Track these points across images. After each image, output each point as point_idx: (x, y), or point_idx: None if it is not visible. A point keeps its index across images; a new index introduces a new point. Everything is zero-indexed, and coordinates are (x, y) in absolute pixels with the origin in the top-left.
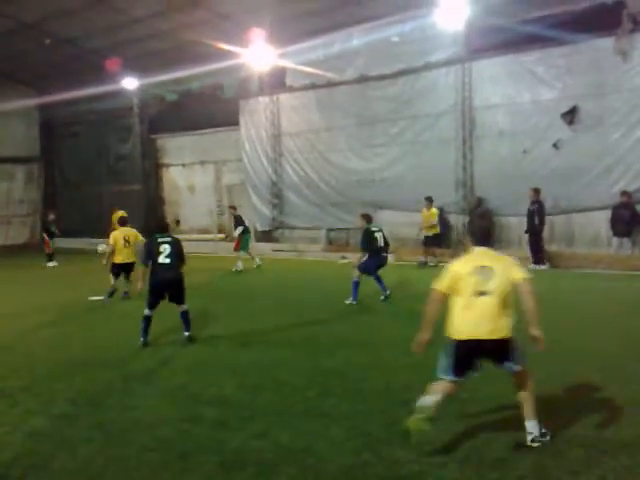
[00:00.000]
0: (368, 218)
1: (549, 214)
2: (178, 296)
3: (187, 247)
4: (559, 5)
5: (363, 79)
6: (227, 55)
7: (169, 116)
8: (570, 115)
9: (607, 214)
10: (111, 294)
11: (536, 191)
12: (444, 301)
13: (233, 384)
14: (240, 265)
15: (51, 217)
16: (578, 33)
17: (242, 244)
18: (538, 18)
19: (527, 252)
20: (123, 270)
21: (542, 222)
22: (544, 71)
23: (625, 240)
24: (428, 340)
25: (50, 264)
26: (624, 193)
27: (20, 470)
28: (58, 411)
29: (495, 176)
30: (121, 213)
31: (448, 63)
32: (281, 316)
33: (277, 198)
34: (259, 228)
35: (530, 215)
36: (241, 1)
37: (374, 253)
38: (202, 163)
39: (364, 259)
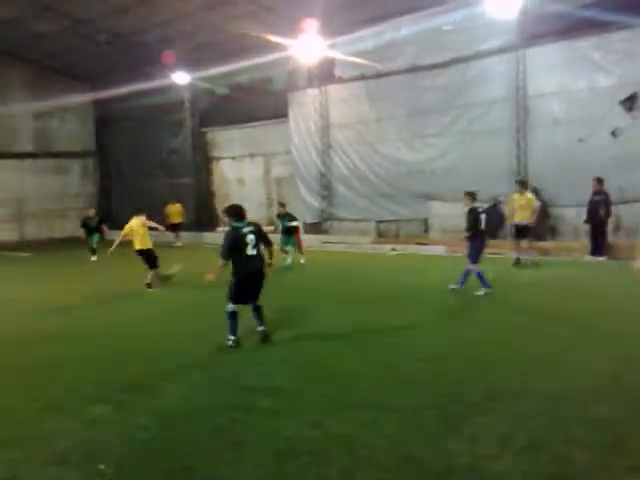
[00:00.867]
0: (473, 197)
1: (614, 204)
2: (259, 290)
3: None
4: None
5: (413, 69)
6: (275, 48)
7: (219, 109)
8: (630, 102)
9: None
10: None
11: (600, 181)
12: None
13: (286, 375)
14: (290, 260)
15: (91, 213)
16: (638, 16)
17: (285, 240)
18: (595, 2)
19: (586, 242)
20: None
21: (608, 213)
22: (601, 57)
23: None
24: None
25: (93, 258)
26: None
27: (78, 456)
28: (115, 399)
29: (550, 166)
30: (176, 206)
31: (501, 51)
32: (332, 309)
33: (326, 190)
34: (308, 220)
35: (594, 205)
36: None
37: (478, 236)
38: (251, 156)
39: (469, 245)
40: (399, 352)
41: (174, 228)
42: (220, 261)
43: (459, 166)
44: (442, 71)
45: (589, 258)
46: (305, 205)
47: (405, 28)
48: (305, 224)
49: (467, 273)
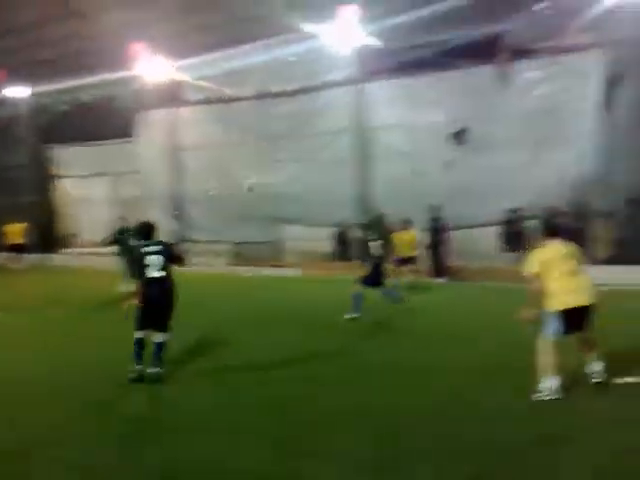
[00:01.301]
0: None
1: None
2: (164, 318)
3: (82, 261)
4: (446, 33)
5: (261, 96)
6: (120, 66)
7: (64, 126)
8: (458, 136)
9: (497, 230)
10: None
11: (435, 208)
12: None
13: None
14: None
15: None
16: (464, 59)
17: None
18: (428, 44)
19: (428, 266)
20: None
21: (444, 237)
22: (434, 94)
23: (513, 254)
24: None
25: None
26: (511, 210)
27: None
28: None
29: (392, 194)
30: (17, 226)
31: (343, 84)
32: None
33: (179, 211)
34: None
35: (431, 231)
36: (129, 15)
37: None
38: (99, 175)
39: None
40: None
41: (15, 249)
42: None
43: (309, 192)
44: (290, 100)
45: (432, 280)
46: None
47: (253, 55)
48: None
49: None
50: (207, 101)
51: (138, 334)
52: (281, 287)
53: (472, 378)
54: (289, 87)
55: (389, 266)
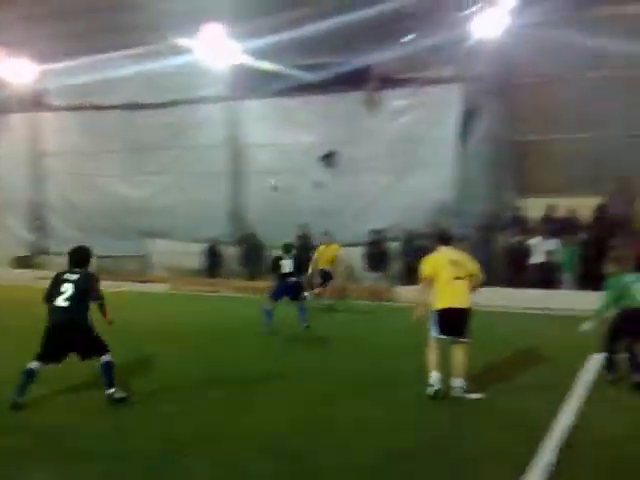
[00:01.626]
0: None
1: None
2: (67, 351)
3: None
4: (319, 58)
5: (129, 106)
6: None
7: None
8: (328, 159)
9: (362, 250)
10: None
11: (302, 227)
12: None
13: None
14: None
15: None
16: (334, 85)
17: None
18: (302, 66)
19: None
20: None
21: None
22: (306, 116)
23: (376, 274)
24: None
25: None
26: (375, 232)
27: None
28: None
29: (264, 211)
30: None
31: (218, 99)
32: None
33: (40, 221)
34: (17, 253)
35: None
36: None
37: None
38: None
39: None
40: None
41: None
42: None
43: (180, 205)
44: (162, 111)
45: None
46: (13, 236)
47: (125, 65)
48: (15, 258)
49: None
50: (72, 108)
51: (32, 364)
52: (145, 303)
53: (340, 389)
54: (162, 99)
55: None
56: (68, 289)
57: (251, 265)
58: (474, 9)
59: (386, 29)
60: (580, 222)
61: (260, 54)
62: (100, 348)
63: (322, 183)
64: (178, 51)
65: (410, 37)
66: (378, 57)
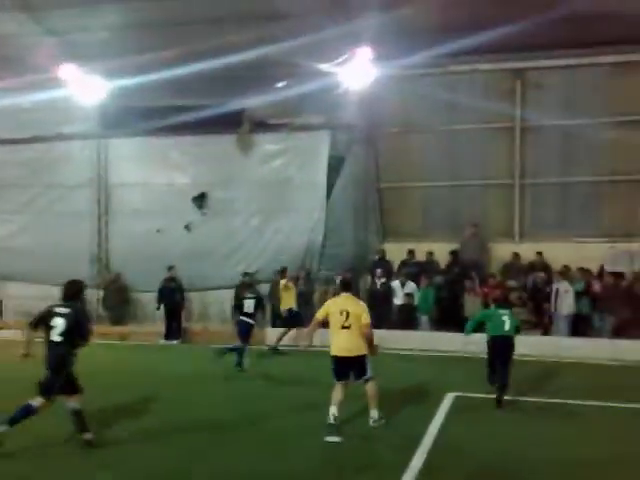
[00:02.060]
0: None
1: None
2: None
3: None
4: (192, 98)
5: None
6: None
7: None
8: (200, 200)
9: (232, 293)
10: None
11: (173, 268)
12: None
13: None
14: None
15: None
16: (206, 127)
17: None
18: (174, 107)
19: (161, 327)
20: None
21: (182, 298)
22: (178, 157)
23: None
24: None
25: None
26: (245, 274)
27: None
28: None
29: (130, 253)
30: None
31: (83, 137)
32: None
33: None
34: None
35: (169, 291)
36: None
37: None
38: None
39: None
40: None
41: None
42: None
43: (39, 246)
44: (23, 147)
45: (163, 342)
46: None
47: None
48: None
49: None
50: None
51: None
52: None
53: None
54: (22, 135)
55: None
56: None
57: (116, 309)
58: (342, 59)
59: (260, 74)
60: (437, 266)
61: (131, 93)
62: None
63: (193, 225)
64: (44, 85)
65: (283, 83)
66: (251, 101)
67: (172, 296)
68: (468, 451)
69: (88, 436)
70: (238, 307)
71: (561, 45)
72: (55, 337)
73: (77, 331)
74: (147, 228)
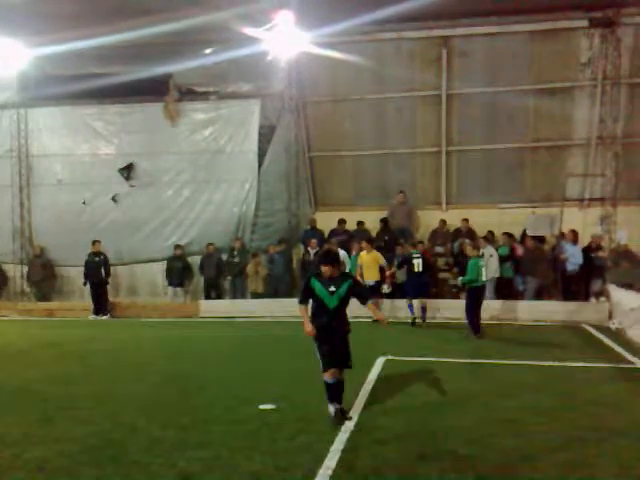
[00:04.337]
0: None
1: (112, 265)
2: None
3: None
4: (118, 67)
5: None
6: None
7: None
8: (127, 171)
9: (163, 265)
10: None
11: (98, 242)
12: None
13: None
14: None
15: None
16: (132, 95)
17: None
18: (94, 75)
19: (89, 303)
20: None
21: (108, 273)
22: (102, 126)
23: (179, 289)
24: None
25: None
26: (177, 246)
27: None
28: None
29: (55, 226)
30: None
31: (2, 106)
32: None
33: None
34: None
35: (94, 266)
36: None
37: None
38: None
39: None
40: None
41: None
42: None
43: None
44: None
45: (92, 317)
46: None
47: None
48: None
49: None
50: None
51: None
52: None
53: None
54: None
55: None
56: None
57: (41, 285)
58: (270, 26)
59: (187, 40)
60: (368, 233)
61: (52, 60)
62: None
63: (120, 197)
64: None
65: (211, 50)
66: (178, 68)
67: (97, 271)
68: (397, 411)
69: None
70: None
71: (483, 13)
72: None
73: None
74: (72, 200)
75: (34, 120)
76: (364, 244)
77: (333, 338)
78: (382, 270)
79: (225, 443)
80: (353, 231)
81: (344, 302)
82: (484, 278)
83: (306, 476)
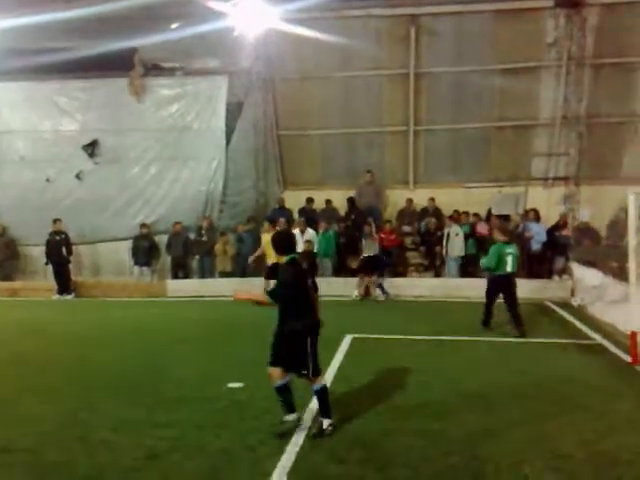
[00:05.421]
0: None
1: (74, 244)
2: None
3: None
4: (81, 41)
5: None
6: None
7: None
8: (91, 148)
9: (129, 244)
10: None
11: (59, 221)
12: None
13: None
14: None
15: None
16: (96, 70)
17: None
18: (57, 49)
19: (52, 283)
20: None
21: (70, 252)
22: (65, 102)
23: (145, 269)
24: None
25: None
26: (143, 225)
27: None
28: None
29: (18, 204)
30: None
31: None
32: None
33: None
34: None
35: (55, 245)
36: None
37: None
38: None
39: None
40: None
41: None
42: None
43: None
44: None
45: (57, 297)
46: None
47: None
48: None
49: None
50: None
51: None
52: None
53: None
54: None
55: None
56: None
57: (3, 264)
58: (237, 1)
59: (152, 14)
60: (336, 213)
61: (14, 34)
62: None
63: (84, 174)
64: None
65: (177, 25)
66: (144, 42)
67: (59, 250)
68: (363, 387)
69: None
70: None
71: None
72: None
73: None
74: (35, 177)
75: None
76: (266, 225)
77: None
78: None
79: (193, 421)
80: (321, 210)
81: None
82: (509, 268)
83: (274, 454)
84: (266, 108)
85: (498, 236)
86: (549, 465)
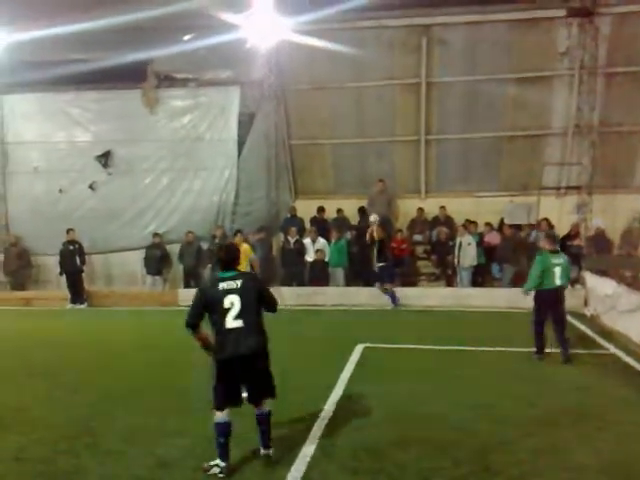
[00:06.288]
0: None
1: (87, 253)
2: None
3: None
4: (95, 53)
5: None
6: None
7: None
8: (104, 158)
9: (141, 254)
10: None
11: (72, 231)
12: None
13: None
14: None
15: None
16: (109, 81)
17: None
18: (71, 61)
19: (66, 292)
20: None
21: (83, 262)
22: (79, 113)
23: (157, 278)
24: None
25: None
26: (155, 234)
27: None
28: None
29: (31, 214)
30: None
31: None
32: None
33: None
34: None
35: (68, 255)
36: None
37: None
38: None
39: None
40: None
41: None
42: None
43: None
44: None
45: (70, 306)
46: None
47: None
48: None
49: None
50: None
51: None
52: None
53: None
54: None
55: None
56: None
57: (17, 274)
58: (249, 12)
59: (166, 26)
60: (347, 222)
61: (29, 46)
62: None
63: (98, 185)
64: None
65: (190, 36)
66: (157, 54)
67: (72, 259)
68: (374, 397)
69: None
70: None
71: (464, 1)
72: None
73: None
74: (48, 188)
75: (10, 107)
76: (238, 237)
77: None
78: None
79: (204, 431)
80: (333, 219)
81: None
82: (558, 281)
83: (285, 464)
84: (278, 118)
85: (545, 244)
86: (562, 476)
